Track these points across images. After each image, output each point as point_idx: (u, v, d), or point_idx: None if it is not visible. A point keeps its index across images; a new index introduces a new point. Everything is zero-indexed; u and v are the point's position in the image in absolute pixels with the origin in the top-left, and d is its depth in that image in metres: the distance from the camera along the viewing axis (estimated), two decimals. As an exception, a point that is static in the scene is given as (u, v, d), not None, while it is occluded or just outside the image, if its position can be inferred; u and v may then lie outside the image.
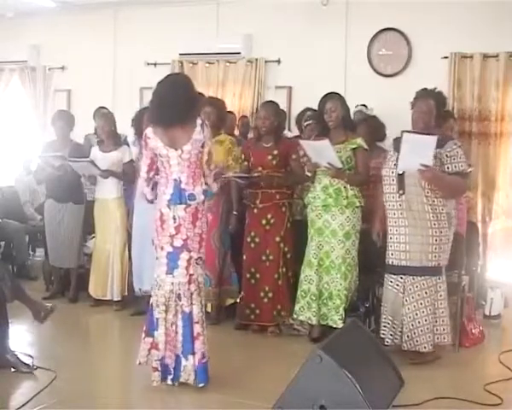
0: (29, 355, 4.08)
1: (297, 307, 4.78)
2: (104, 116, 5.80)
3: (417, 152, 3.99)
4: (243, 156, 5.09)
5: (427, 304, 4.18)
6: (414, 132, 4.12)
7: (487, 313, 5.36)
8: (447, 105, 4.90)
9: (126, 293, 5.61)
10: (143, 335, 3.81)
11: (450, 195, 4.21)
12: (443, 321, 4.23)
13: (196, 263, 3.75)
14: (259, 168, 4.96)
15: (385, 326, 4.32)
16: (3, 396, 3.64)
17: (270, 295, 4.91)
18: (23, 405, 3.45)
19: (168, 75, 3.92)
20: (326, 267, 4.68)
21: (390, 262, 4.30)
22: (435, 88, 4.37)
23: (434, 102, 4.22)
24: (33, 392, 3.60)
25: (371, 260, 4.70)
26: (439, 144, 4.11)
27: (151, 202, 3.88)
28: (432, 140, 3.94)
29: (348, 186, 4.63)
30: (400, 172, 4.17)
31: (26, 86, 8.19)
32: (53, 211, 5.84)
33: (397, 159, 4.15)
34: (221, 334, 4.81)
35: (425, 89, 4.31)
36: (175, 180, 3.70)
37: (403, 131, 4.10)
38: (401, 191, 4.19)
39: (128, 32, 7.60)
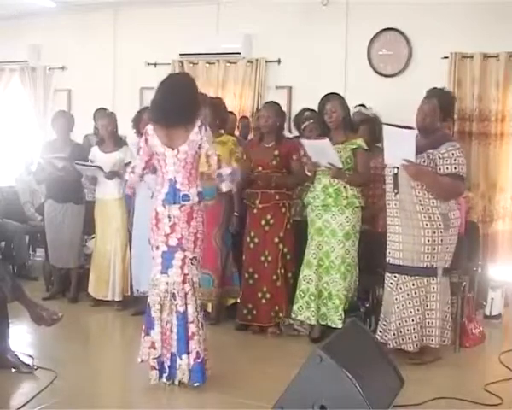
0: (29, 355, 4.08)
1: (295, 307, 4.78)
2: (107, 116, 5.80)
3: (398, 146, 3.98)
4: (245, 156, 5.09)
5: (415, 304, 4.18)
6: (393, 126, 4.11)
7: (488, 314, 5.37)
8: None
9: (128, 293, 5.62)
10: (143, 334, 3.82)
11: (442, 195, 4.13)
12: (433, 323, 4.21)
13: (191, 263, 3.75)
14: (259, 168, 4.96)
15: (379, 323, 4.35)
16: (4, 396, 3.65)
17: (268, 296, 4.90)
18: (24, 405, 3.45)
19: (171, 74, 3.92)
20: (326, 267, 4.68)
21: (387, 260, 4.33)
22: (444, 87, 4.35)
23: (439, 102, 4.19)
24: (34, 392, 3.60)
25: (371, 261, 4.70)
26: (434, 145, 4.11)
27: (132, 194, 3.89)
28: (410, 134, 3.93)
29: (348, 186, 4.63)
30: (395, 171, 4.16)
31: (26, 86, 8.17)
32: (53, 211, 5.84)
33: None
34: (221, 334, 4.81)
35: (434, 88, 4.29)
36: (170, 180, 3.71)
37: (382, 125, 4.10)
38: (395, 190, 4.19)
39: (128, 32, 7.59)
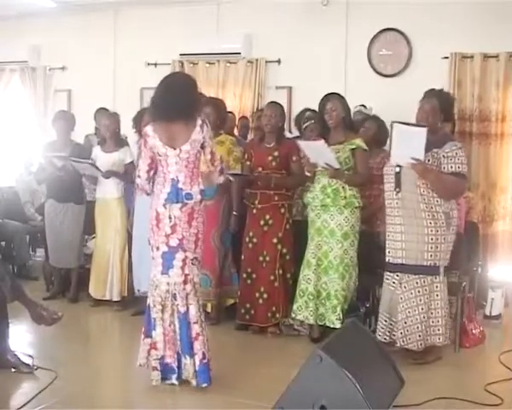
0: (29, 355, 4.08)
1: (295, 307, 4.78)
2: (110, 116, 5.80)
3: (408, 144, 3.97)
4: (246, 156, 5.09)
5: (419, 303, 4.17)
6: (404, 123, 4.10)
7: (488, 314, 5.36)
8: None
9: (126, 293, 5.62)
10: (142, 336, 3.81)
11: (446, 194, 4.15)
12: (438, 322, 4.20)
13: (192, 263, 3.74)
14: (259, 169, 4.97)
15: (380, 323, 4.34)
16: (4, 396, 3.64)
17: (265, 296, 4.90)
18: (24, 405, 3.46)
19: (170, 73, 3.92)
20: (324, 268, 4.68)
21: (388, 260, 4.31)
22: (442, 88, 4.37)
23: (439, 103, 4.20)
24: (34, 392, 3.61)
25: (371, 261, 4.70)
26: (438, 145, 4.11)
27: (149, 194, 3.88)
28: (421, 131, 3.92)
29: (347, 186, 4.63)
30: (398, 170, 4.16)
31: (26, 86, 8.17)
32: (53, 211, 5.84)
33: None
34: (221, 334, 4.81)
35: (432, 89, 4.30)
36: (172, 179, 3.69)
37: (392, 122, 4.08)
38: (398, 189, 4.19)
39: (128, 32, 7.60)
